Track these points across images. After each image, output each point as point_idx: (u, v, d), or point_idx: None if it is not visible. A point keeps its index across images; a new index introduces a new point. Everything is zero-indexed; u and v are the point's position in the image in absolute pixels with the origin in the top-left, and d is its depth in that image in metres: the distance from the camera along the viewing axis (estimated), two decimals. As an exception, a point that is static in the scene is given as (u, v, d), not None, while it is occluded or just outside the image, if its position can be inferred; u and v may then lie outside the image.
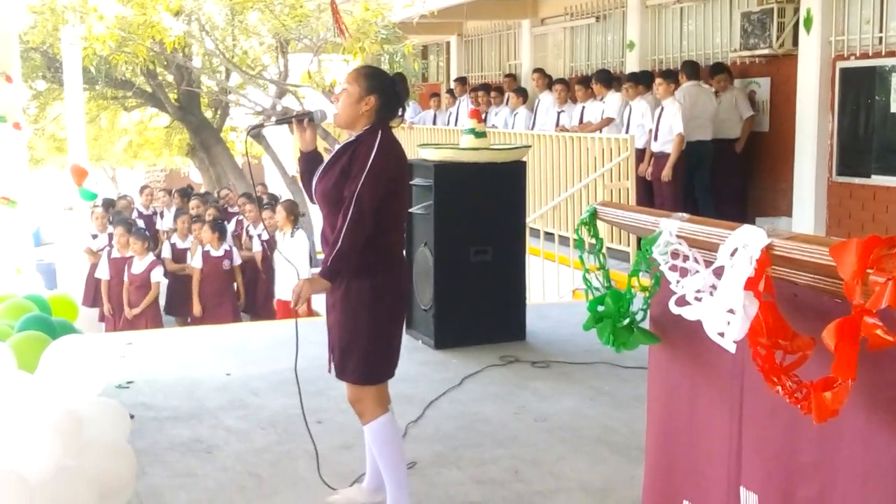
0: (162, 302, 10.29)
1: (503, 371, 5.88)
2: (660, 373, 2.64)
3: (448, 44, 17.57)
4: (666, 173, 9.34)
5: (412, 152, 3.74)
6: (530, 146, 7.51)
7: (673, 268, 2.23)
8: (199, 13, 11.12)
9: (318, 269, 3.60)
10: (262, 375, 5.86)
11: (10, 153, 7.45)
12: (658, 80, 9.58)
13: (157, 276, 9.92)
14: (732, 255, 1.95)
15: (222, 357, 6.34)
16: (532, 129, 11.78)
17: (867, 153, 8.85)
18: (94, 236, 11.04)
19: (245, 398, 5.42)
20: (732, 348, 1.98)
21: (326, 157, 3.71)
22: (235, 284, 10.54)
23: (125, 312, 9.85)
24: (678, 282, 2.18)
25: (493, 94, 13.30)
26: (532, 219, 9.39)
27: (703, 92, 9.72)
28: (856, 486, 1.93)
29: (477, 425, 4.91)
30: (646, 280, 2.50)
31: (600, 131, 10.41)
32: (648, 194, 9.64)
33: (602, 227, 2.86)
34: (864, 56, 8.67)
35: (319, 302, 11.33)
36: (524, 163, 6.66)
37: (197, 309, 9.98)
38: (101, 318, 10.41)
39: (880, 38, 8.54)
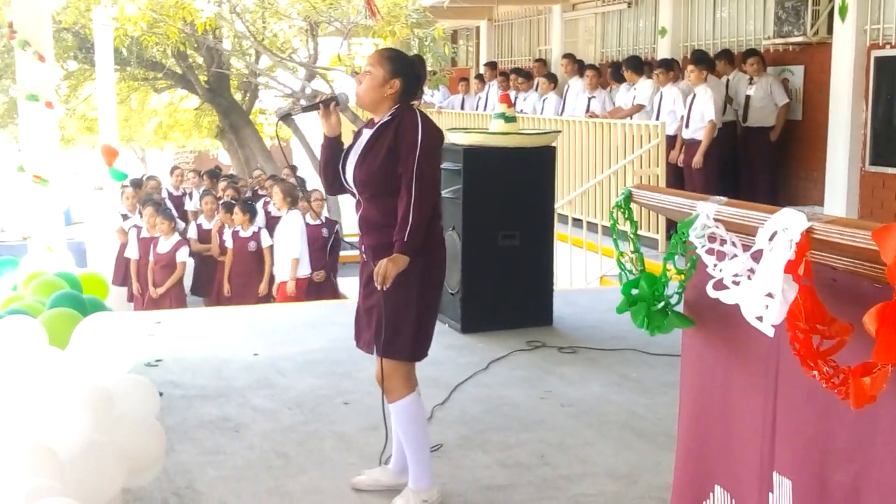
0: (188, 283, 10.35)
1: (530, 356, 5.87)
2: (693, 357, 2.62)
3: (478, 28, 17.51)
4: (697, 160, 9.27)
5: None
6: (560, 131, 7.48)
7: (710, 251, 2.21)
8: (230, -5, 11.16)
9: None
10: (290, 356, 5.88)
11: (43, 132, 7.50)
12: (690, 67, 9.50)
13: (183, 256, 9.97)
14: (771, 238, 1.93)
15: (250, 337, 6.37)
16: (561, 114, 11.73)
17: (901, 143, 8.75)
18: (125, 216, 11.11)
19: (272, 378, 5.45)
20: (771, 332, 1.95)
21: (355, 142, 3.69)
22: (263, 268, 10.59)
23: (150, 292, 9.92)
24: (715, 265, 2.16)
25: (519, 79, 13.24)
26: (560, 204, 9.36)
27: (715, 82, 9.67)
28: (891, 471, 1.91)
29: (503, 409, 4.90)
30: (681, 264, 2.48)
31: (630, 118, 10.34)
32: (678, 181, 9.57)
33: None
34: (900, 45, 8.56)
35: (346, 285, 11.37)
36: (553, 148, 6.63)
37: (227, 289, 10.01)
38: (130, 297, 10.49)
39: (917, 27, 8.43)
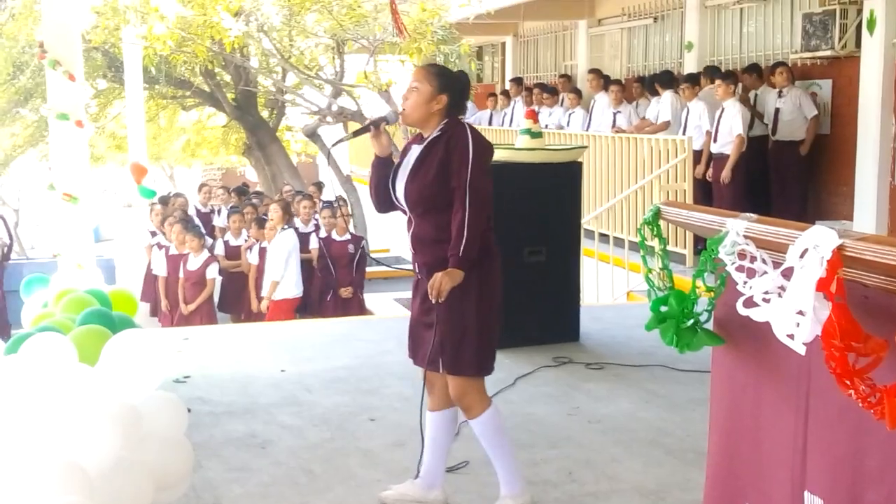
0: (216, 299, 10.40)
1: (557, 372, 5.84)
2: (724, 374, 2.60)
3: (503, 44, 17.54)
4: (725, 175, 9.23)
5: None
6: (586, 147, 7.46)
7: (740, 268, 2.19)
8: (257, 14, 11.23)
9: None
10: (316, 373, 5.89)
11: (73, 150, 7.56)
12: (718, 82, 9.47)
13: (213, 272, 10.02)
14: (802, 255, 1.91)
15: (277, 354, 6.39)
16: (587, 129, 11.72)
17: (931, 157, 8.67)
18: (153, 233, 11.19)
19: (299, 395, 5.45)
20: (802, 350, 1.93)
21: (403, 159, 3.67)
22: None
23: (180, 308, 9.97)
24: (745, 283, 2.14)
25: (544, 94, 13.23)
26: (587, 220, 9.34)
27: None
28: (926, 493, 1.88)
29: (530, 426, 4.88)
30: (710, 281, 2.46)
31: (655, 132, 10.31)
32: (706, 196, 9.53)
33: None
34: (930, 58, 8.49)
35: (372, 301, 11.38)
36: (580, 163, 6.62)
37: (255, 305, 10.02)
38: (154, 312, 10.57)
39: (947, 40, 8.36)
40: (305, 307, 10.81)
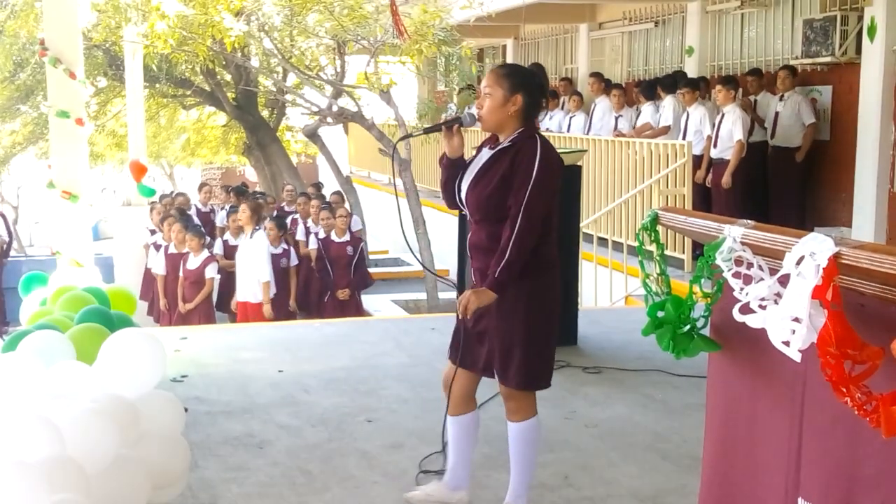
0: (214, 298, 10.39)
1: (554, 376, 5.80)
2: (719, 381, 2.60)
3: (504, 47, 17.55)
4: (725, 180, 9.23)
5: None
6: (586, 150, 7.47)
7: (736, 275, 2.20)
8: (258, 13, 11.22)
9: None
10: (314, 373, 5.90)
11: (73, 148, 7.57)
12: (718, 87, 9.48)
13: (212, 272, 10.01)
14: (798, 263, 1.92)
15: (275, 354, 6.39)
16: (587, 133, 11.73)
17: (930, 164, 8.68)
18: (153, 232, 11.20)
19: (297, 395, 5.46)
20: (797, 357, 1.94)
21: (474, 159, 3.64)
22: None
23: (179, 307, 9.97)
24: (742, 289, 2.15)
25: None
26: (586, 223, 9.34)
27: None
28: (920, 500, 1.89)
29: (527, 429, 4.88)
30: (707, 287, 2.47)
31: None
32: (705, 201, 9.54)
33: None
34: (930, 65, 8.50)
35: (370, 303, 11.38)
36: (579, 167, 6.62)
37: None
38: (150, 311, 10.57)
39: (947, 47, 8.37)
40: (303, 307, 10.83)
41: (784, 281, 1.99)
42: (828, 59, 9.39)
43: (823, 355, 1.81)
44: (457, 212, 3.84)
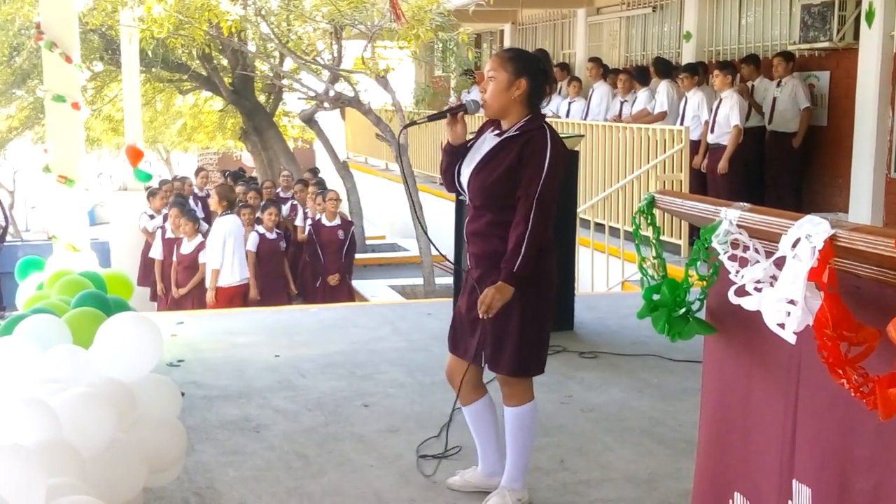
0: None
1: (550, 360, 5.75)
2: (715, 363, 2.61)
3: (502, 32, 17.50)
4: (722, 166, 9.23)
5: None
6: (583, 135, 7.45)
7: (732, 257, 2.20)
8: (255, -2, 11.20)
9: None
10: (311, 357, 5.90)
11: (69, 133, 7.55)
12: (715, 72, 9.46)
13: (205, 257, 10.01)
14: (794, 245, 1.92)
15: (272, 338, 6.40)
16: (585, 118, 11.71)
17: (927, 150, 8.68)
18: (152, 216, 11.19)
19: (293, 379, 5.47)
20: (792, 339, 1.94)
21: (475, 142, 3.62)
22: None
23: (172, 292, 9.97)
24: (738, 272, 2.15)
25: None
26: (583, 209, 9.34)
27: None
28: (914, 482, 1.90)
29: (524, 413, 4.88)
30: (703, 270, 2.47)
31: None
32: (701, 187, 9.53)
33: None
34: (928, 51, 8.49)
35: (367, 288, 11.38)
36: (577, 152, 6.61)
37: (253, 293, 9.85)
38: (153, 297, 10.56)
39: (945, 33, 8.36)
40: (300, 292, 10.83)
41: (780, 263, 1.99)
42: (826, 44, 9.38)
43: (820, 337, 1.81)
44: (454, 196, 3.82)
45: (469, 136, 3.66)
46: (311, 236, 10.82)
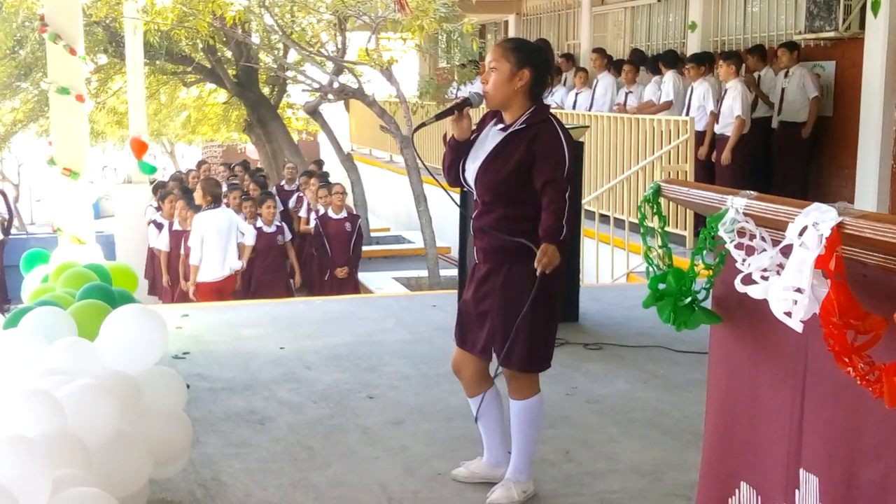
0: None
1: (555, 352, 5.81)
2: (721, 353, 2.60)
3: (506, 23, 17.46)
4: (725, 156, 9.21)
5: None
6: (588, 126, 7.44)
7: (739, 246, 2.19)
8: (259, -11, 11.17)
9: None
10: (315, 350, 5.90)
11: (73, 125, 7.55)
12: (720, 63, 9.43)
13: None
14: (801, 233, 1.90)
15: (277, 331, 6.40)
16: (590, 109, 11.69)
17: (934, 140, 8.64)
18: (158, 208, 11.20)
19: (298, 371, 5.47)
20: (799, 328, 1.93)
21: (479, 135, 3.59)
22: (288, 262, 10.64)
23: (181, 284, 9.97)
24: (744, 260, 2.14)
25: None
26: (588, 200, 9.32)
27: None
28: (922, 472, 1.89)
29: (529, 405, 4.88)
30: (709, 259, 2.46)
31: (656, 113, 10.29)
32: (707, 177, 9.51)
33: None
34: (934, 40, 8.44)
35: (372, 280, 11.38)
36: (581, 143, 6.60)
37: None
38: (152, 289, 10.57)
39: (951, 22, 8.31)
40: (306, 285, 10.84)
41: (786, 251, 1.97)
42: (831, 34, 9.34)
43: (826, 325, 1.80)
44: (458, 189, 3.81)
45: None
46: (318, 229, 10.82)
